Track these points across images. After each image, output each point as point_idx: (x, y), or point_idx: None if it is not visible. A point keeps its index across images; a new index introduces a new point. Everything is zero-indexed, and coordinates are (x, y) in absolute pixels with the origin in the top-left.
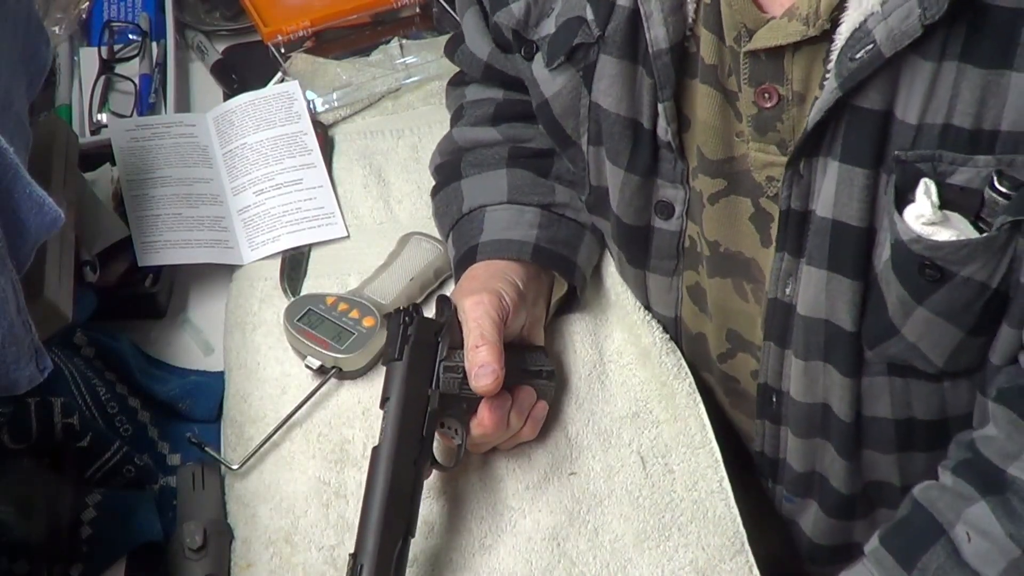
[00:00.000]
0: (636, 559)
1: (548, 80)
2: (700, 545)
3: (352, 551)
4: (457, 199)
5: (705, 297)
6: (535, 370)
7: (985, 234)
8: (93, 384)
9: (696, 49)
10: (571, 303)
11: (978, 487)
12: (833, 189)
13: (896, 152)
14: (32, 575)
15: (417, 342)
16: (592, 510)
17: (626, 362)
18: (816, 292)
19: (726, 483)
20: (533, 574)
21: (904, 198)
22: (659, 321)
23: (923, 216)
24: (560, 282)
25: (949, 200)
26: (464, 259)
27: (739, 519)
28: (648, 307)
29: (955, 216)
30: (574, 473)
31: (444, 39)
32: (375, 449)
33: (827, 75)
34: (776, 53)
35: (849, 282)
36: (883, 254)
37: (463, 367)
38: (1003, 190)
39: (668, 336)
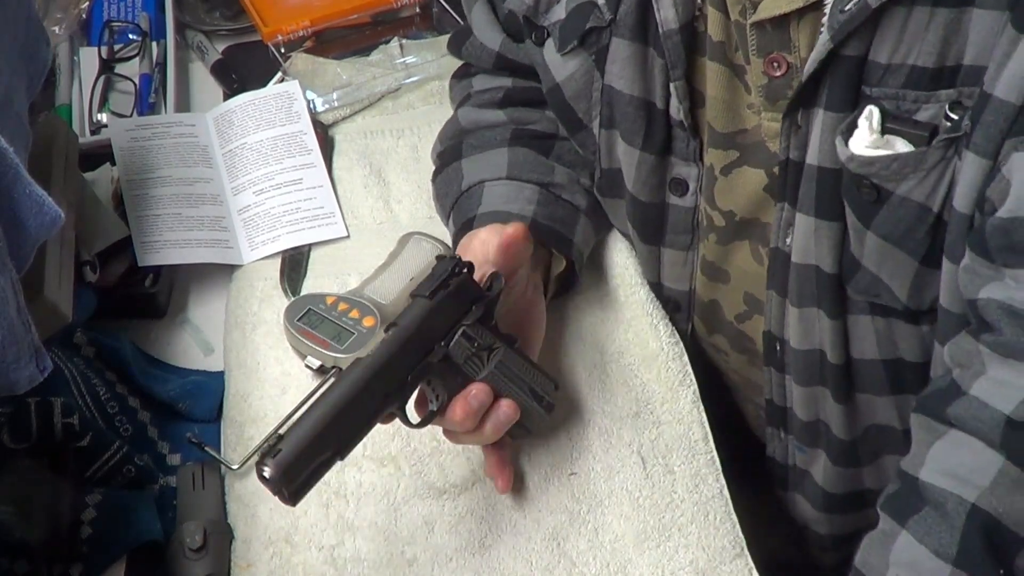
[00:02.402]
0: (636, 559)
1: (560, 65)
2: (700, 546)
3: (282, 432)
4: (457, 178)
5: (715, 266)
6: (539, 393)
7: (916, 149)
8: (93, 384)
9: (704, 28)
10: (571, 286)
11: (897, 517)
12: (819, 136)
13: (863, 87)
14: (32, 575)
15: (453, 293)
16: (592, 510)
17: (627, 362)
18: (806, 239)
19: (726, 491)
20: (533, 574)
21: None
22: (671, 296)
23: (865, 140)
24: (557, 260)
25: (909, 133)
26: (461, 231)
27: (738, 526)
28: (659, 283)
29: (899, 141)
30: (574, 473)
31: (444, 39)
32: (357, 360)
33: (822, 30)
34: (781, 22)
35: (831, 225)
36: None
37: (480, 343)
38: (953, 116)
39: (676, 340)
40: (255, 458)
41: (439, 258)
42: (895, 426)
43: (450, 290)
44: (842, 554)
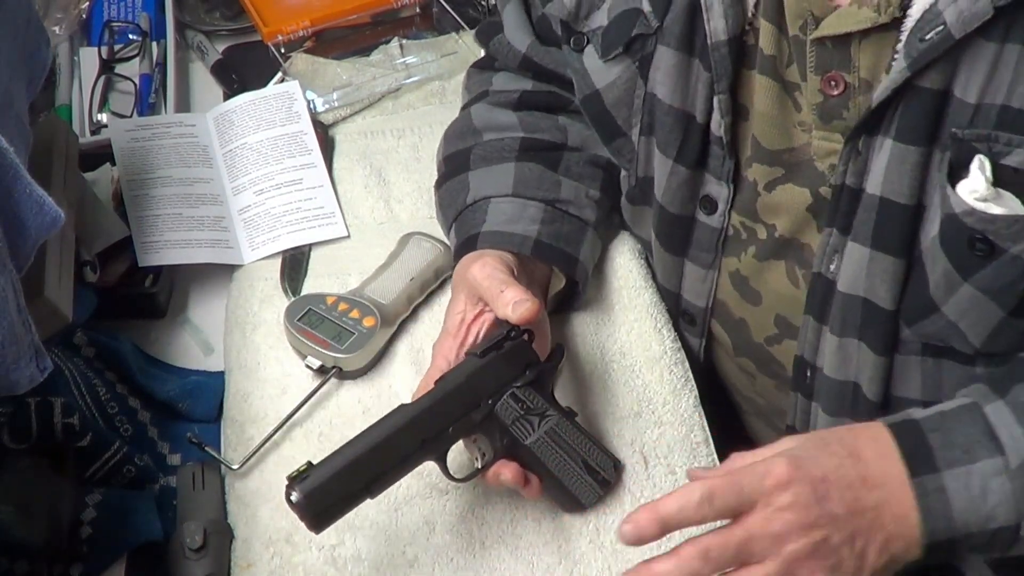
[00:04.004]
0: (637, 560)
1: (601, 71)
2: None
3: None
4: (463, 190)
5: (748, 283)
6: (592, 467)
7: None
8: (93, 384)
9: (755, 41)
10: (573, 301)
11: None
12: (884, 167)
13: (953, 130)
14: (32, 575)
15: (505, 356)
16: (594, 509)
17: (629, 363)
18: (857, 269)
19: None
20: (534, 574)
21: (957, 175)
22: (688, 309)
23: (976, 192)
24: (557, 278)
25: (1002, 180)
26: (464, 246)
27: None
28: (679, 294)
29: (1007, 194)
30: None
31: (444, 39)
32: (401, 405)
33: (896, 56)
34: (843, 41)
35: (891, 260)
36: (931, 230)
37: (529, 407)
38: None
39: (678, 347)
40: (255, 458)
41: (499, 322)
42: None
43: (503, 352)
44: None
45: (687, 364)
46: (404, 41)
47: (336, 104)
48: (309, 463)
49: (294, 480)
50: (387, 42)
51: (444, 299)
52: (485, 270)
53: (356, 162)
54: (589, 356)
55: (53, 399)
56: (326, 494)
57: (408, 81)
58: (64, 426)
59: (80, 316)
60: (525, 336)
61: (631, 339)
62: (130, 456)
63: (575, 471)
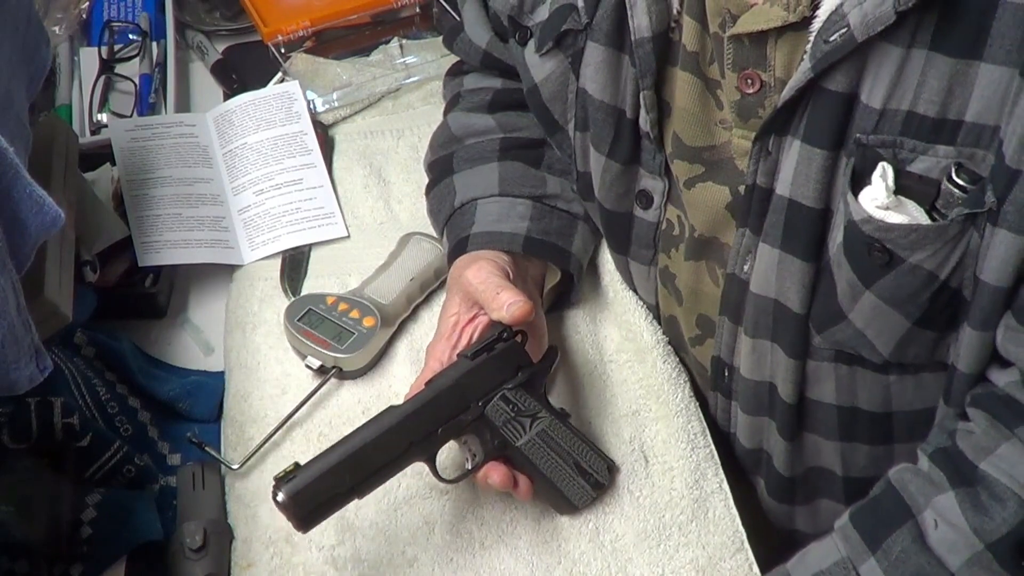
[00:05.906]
0: (636, 559)
1: (538, 65)
2: (700, 544)
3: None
4: (450, 194)
5: (675, 280)
6: (585, 469)
7: (937, 222)
8: (93, 384)
9: (679, 37)
10: (571, 298)
11: (950, 477)
12: (792, 168)
13: (857, 135)
14: (32, 575)
15: (496, 358)
16: (593, 509)
17: (625, 360)
18: (768, 271)
19: (725, 485)
20: (534, 574)
21: (861, 181)
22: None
23: (877, 199)
24: (552, 271)
25: (907, 188)
26: (455, 250)
27: (738, 519)
28: (635, 292)
29: (910, 203)
30: None
31: None
32: (390, 407)
33: (804, 56)
34: (760, 39)
35: (800, 263)
36: (837, 237)
37: (521, 409)
38: (960, 183)
39: (667, 339)
40: (255, 458)
41: (493, 325)
42: (836, 472)
43: (494, 354)
44: None
45: (677, 356)
46: (404, 41)
47: (336, 104)
48: (296, 464)
49: (280, 480)
50: (387, 42)
51: (444, 299)
52: (480, 274)
53: (356, 162)
54: (585, 355)
55: (53, 399)
56: (312, 495)
57: (408, 81)
58: (64, 426)
59: (80, 316)
60: (518, 338)
61: (623, 334)
62: (130, 456)
63: (567, 473)
